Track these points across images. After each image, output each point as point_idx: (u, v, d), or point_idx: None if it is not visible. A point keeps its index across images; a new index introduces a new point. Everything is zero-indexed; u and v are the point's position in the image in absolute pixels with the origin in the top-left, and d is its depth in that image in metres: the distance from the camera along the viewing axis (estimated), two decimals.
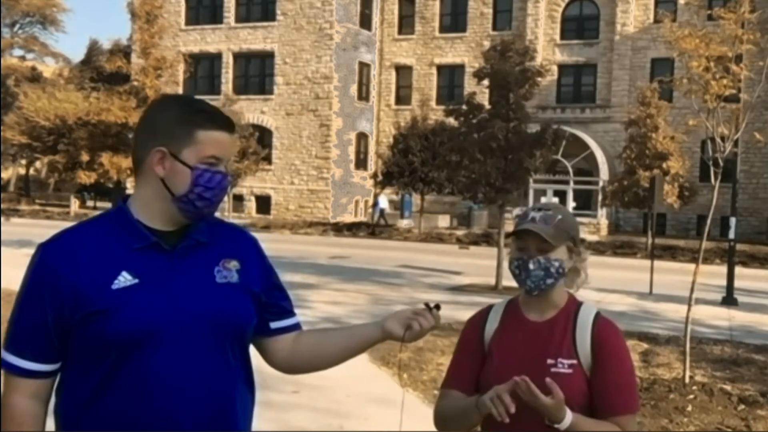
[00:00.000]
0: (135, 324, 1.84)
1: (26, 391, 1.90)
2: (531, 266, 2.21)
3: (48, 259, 1.90)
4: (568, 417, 2.09)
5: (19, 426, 1.89)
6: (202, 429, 1.91)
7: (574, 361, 2.18)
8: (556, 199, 35.99)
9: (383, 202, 37.95)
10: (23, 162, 56.96)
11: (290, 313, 2.17)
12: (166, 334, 1.86)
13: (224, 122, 1.96)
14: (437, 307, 2.08)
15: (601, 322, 2.23)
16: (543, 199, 35.82)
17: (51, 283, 1.87)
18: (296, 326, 2.17)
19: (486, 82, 17.48)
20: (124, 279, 1.87)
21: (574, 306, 2.27)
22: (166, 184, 1.91)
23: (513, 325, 2.30)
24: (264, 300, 2.07)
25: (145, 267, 1.89)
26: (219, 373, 1.93)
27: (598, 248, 26.07)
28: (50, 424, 1.96)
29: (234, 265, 2.00)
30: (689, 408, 6.82)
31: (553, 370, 2.15)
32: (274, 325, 2.12)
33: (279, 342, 2.13)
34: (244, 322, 2.00)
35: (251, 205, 41.55)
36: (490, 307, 2.40)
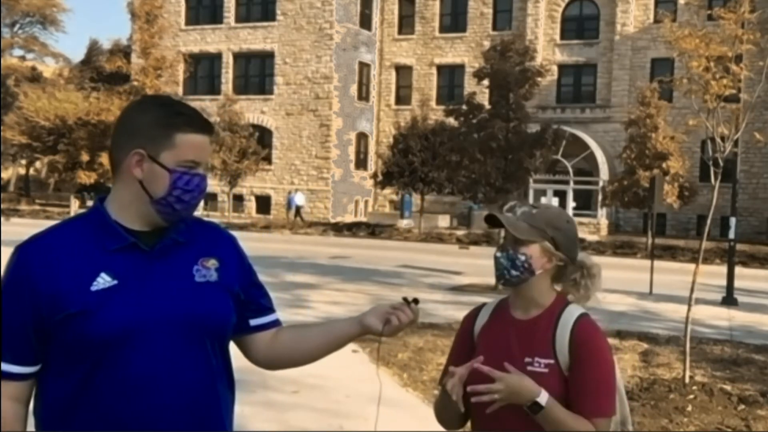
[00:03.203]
0: (115, 325, 1.84)
1: (7, 394, 1.88)
2: (498, 254, 2.25)
3: (25, 261, 1.88)
4: (544, 392, 2.09)
5: (2, 427, 1.88)
6: (184, 429, 1.90)
7: (551, 361, 2.18)
8: (556, 200, 36.00)
9: (299, 199, 38.30)
10: (23, 162, 56.95)
11: (269, 310, 2.17)
12: (146, 335, 1.86)
13: (203, 125, 1.95)
14: (415, 301, 2.09)
15: (582, 322, 2.21)
16: (543, 199, 35.83)
17: (28, 285, 1.85)
18: (275, 323, 2.18)
19: (486, 82, 17.51)
20: (103, 280, 1.86)
21: (560, 306, 2.27)
22: (144, 186, 1.91)
23: (499, 323, 2.32)
24: (243, 298, 2.07)
25: (124, 268, 1.89)
26: (200, 373, 1.94)
27: (598, 248, 26.07)
28: (30, 425, 1.95)
29: (213, 263, 2.00)
30: (689, 408, 6.82)
31: (528, 368, 2.16)
32: (253, 322, 2.13)
33: (258, 339, 2.14)
34: (223, 320, 2.00)
35: (251, 205, 41.55)
36: (483, 305, 2.44)
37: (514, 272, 2.23)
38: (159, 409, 1.87)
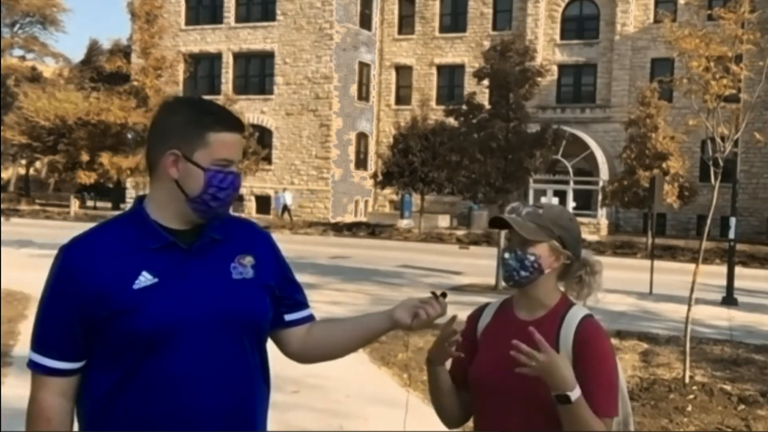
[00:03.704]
0: (156, 322, 1.90)
1: (53, 389, 1.95)
2: (506, 256, 2.25)
3: (69, 262, 1.95)
4: (578, 388, 2.06)
5: (47, 422, 1.94)
6: (222, 424, 1.95)
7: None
8: (556, 200, 35.99)
9: (287, 198, 38.40)
10: (23, 162, 56.95)
11: (304, 306, 2.23)
12: (185, 332, 1.92)
13: (234, 123, 2.01)
14: (443, 295, 2.13)
15: (586, 322, 2.22)
16: (543, 199, 35.82)
17: (73, 285, 1.92)
18: (310, 317, 2.24)
19: (486, 82, 17.50)
20: (145, 278, 1.92)
21: (564, 307, 2.27)
22: (180, 185, 1.97)
23: (502, 322, 2.32)
24: (278, 294, 2.13)
25: (164, 266, 1.95)
26: (238, 369, 1.99)
27: (598, 248, 26.06)
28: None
29: (249, 260, 2.05)
30: (689, 408, 6.82)
31: (522, 371, 2.15)
32: (288, 317, 2.18)
33: (293, 333, 2.19)
34: (260, 316, 2.06)
35: (251, 205, 41.55)
36: (486, 305, 2.45)
37: (523, 273, 2.23)
38: (198, 405, 1.93)
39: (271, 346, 2.18)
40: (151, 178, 2.04)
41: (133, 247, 1.95)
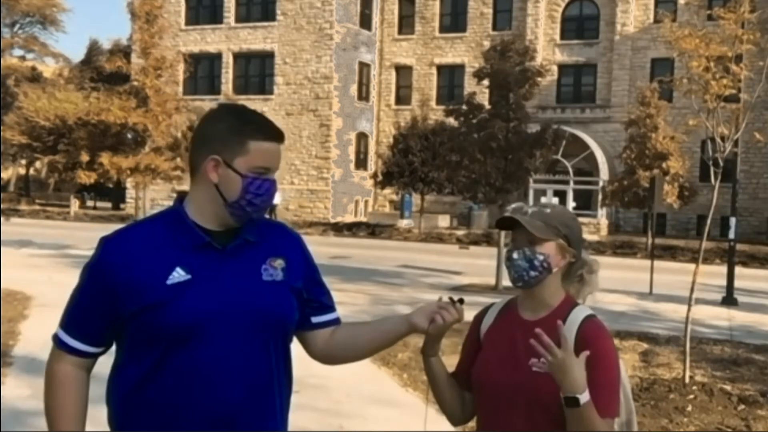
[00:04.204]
0: (186, 317, 1.98)
1: (69, 361, 2.09)
2: (515, 256, 2.24)
3: (107, 252, 2.06)
4: (587, 392, 2.05)
5: (61, 384, 2.07)
6: (245, 420, 2.03)
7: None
8: (556, 200, 35.99)
9: (276, 198, 38.34)
10: (23, 162, 56.94)
11: (330, 309, 2.30)
12: (213, 328, 2.00)
13: (274, 133, 2.09)
14: (461, 301, 2.18)
15: (589, 322, 2.22)
16: (543, 199, 35.83)
17: (109, 274, 2.02)
18: (335, 321, 2.30)
19: (486, 82, 17.48)
20: (178, 274, 2.01)
21: (567, 307, 2.28)
22: (220, 189, 2.05)
23: (506, 322, 2.33)
24: (306, 296, 2.21)
25: (198, 264, 2.03)
26: (262, 367, 2.07)
27: (598, 248, 26.07)
28: (102, 410, 2.12)
29: (279, 263, 2.13)
30: (689, 408, 6.82)
31: (534, 369, 2.16)
32: (315, 319, 2.26)
33: (318, 335, 2.27)
34: (287, 318, 2.14)
35: None
36: (491, 305, 2.46)
37: (533, 273, 2.24)
38: (221, 399, 2.00)
39: (294, 347, 2.23)
40: (192, 180, 2.13)
41: (169, 244, 2.04)
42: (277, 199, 38.74)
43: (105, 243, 2.08)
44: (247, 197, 2.04)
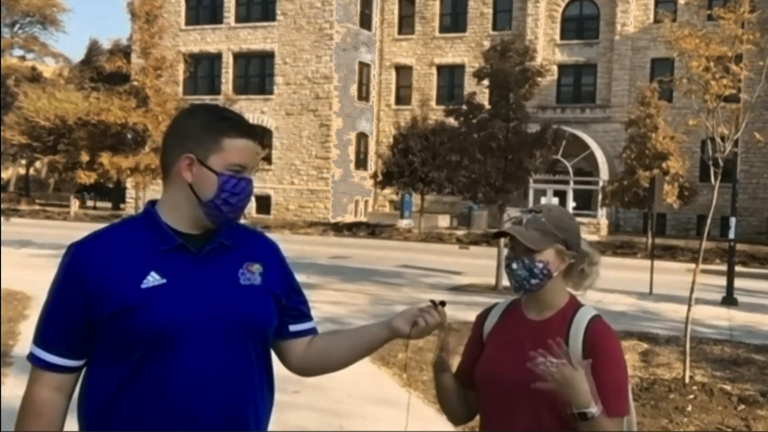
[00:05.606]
0: (162, 321, 1.91)
1: (49, 384, 1.97)
2: (515, 266, 2.25)
3: (78, 260, 1.97)
4: (598, 403, 2.06)
5: (38, 415, 1.95)
6: (223, 426, 1.96)
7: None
8: (556, 200, 35.99)
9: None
10: (23, 162, 56.97)
11: (307, 317, 2.24)
12: (190, 333, 1.93)
13: (248, 130, 2.03)
14: (442, 303, 2.14)
15: (595, 323, 2.23)
16: (543, 200, 35.84)
17: (80, 283, 1.94)
18: (313, 330, 2.25)
19: (486, 82, 17.48)
20: (153, 279, 1.94)
21: (573, 308, 2.28)
22: (194, 189, 1.99)
23: (510, 323, 2.34)
24: (284, 303, 2.15)
25: (173, 268, 1.96)
26: (241, 372, 2.00)
27: (598, 248, 25.78)
28: (73, 423, 2.02)
29: (257, 268, 2.07)
30: (689, 408, 6.82)
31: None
32: (293, 328, 2.20)
33: (295, 345, 2.21)
34: (266, 322, 2.08)
35: (251, 205, 41.53)
36: (494, 305, 2.47)
37: (534, 281, 2.24)
38: (200, 407, 1.94)
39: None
40: (164, 181, 2.06)
41: (142, 248, 1.97)
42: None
43: (74, 249, 1.99)
44: (222, 196, 1.97)
